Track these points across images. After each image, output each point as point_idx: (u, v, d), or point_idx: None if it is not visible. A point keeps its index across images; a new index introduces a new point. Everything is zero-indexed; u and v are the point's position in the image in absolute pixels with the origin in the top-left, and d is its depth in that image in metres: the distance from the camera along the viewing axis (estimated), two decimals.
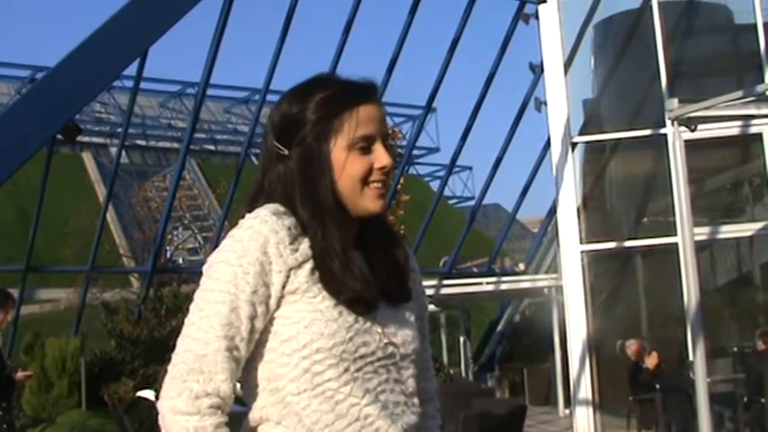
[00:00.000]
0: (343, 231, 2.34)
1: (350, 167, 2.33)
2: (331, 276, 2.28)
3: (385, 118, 2.42)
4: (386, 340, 2.33)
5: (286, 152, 2.37)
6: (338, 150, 2.34)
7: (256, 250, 2.25)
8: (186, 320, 2.28)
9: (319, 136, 2.34)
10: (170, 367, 2.23)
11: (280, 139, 2.40)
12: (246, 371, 2.32)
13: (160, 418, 2.20)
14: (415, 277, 2.54)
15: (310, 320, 2.25)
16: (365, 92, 2.39)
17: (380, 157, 2.35)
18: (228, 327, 2.22)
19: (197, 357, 2.20)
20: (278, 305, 2.27)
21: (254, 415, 2.32)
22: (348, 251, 2.33)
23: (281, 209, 2.32)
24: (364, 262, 2.39)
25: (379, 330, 2.33)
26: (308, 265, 2.28)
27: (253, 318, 2.24)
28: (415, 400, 2.41)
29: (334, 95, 2.36)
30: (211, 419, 2.18)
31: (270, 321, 2.29)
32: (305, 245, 2.29)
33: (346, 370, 2.25)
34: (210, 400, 2.18)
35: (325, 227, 2.30)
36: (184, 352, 2.23)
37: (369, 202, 2.35)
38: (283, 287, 2.27)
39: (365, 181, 2.34)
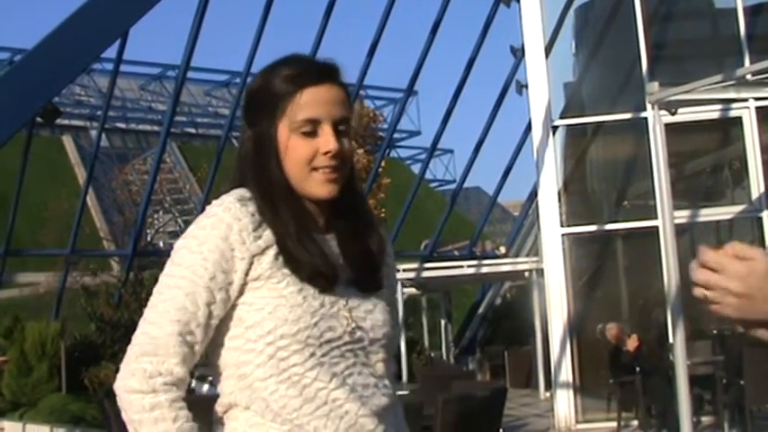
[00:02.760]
0: (301, 211, 2.35)
1: (293, 151, 2.33)
2: (289, 255, 2.29)
3: (343, 101, 2.38)
4: (354, 324, 2.34)
5: (249, 134, 2.40)
6: (283, 132, 2.34)
7: (217, 237, 2.26)
8: (148, 303, 2.30)
9: (269, 117, 2.35)
10: (128, 349, 2.27)
11: (246, 119, 2.42)
12: (215, 357, 2.35)
13: (117, 399, 2.24)
14: (389, 262, 2.55)
15: (274, 306, 2.26)
16: (316, 74, 2.36)
17: (325, 141, 2.32)
18: (183, 311, 2.24)
19: (151, 339, 2.23)
20: (241, 292, 2.29)
21: (222, 400, 2.35)
22: (306, 231, 2.33)
23: (247, 195, 2.33)
24: (336, 245, 2.39)
25: (347, 315, 2.33)
26: (272, 251, 2.29)
27: (210, 304, 2.25)
28: (386, 382, 2.42)
29: (287, 77, 2.35)
30: (167, 395, 2.20)
31: (234, 308, 2.30)
32: (268, 231, 2.30)
33: (312, 355, 2.26)
34: (164, 379, 2.21)
35: (275, 207, 2.31)
36: (141, 334, 2.26)
37: (315, 186, 2.34)
38: (246, 274, 2.28)
39: (311, 165, 2.33)
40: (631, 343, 14.20)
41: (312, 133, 2.32)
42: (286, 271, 2.29)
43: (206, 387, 13.13)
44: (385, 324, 2.42)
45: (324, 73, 2.37)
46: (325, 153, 2.32)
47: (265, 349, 2.26)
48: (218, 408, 2.36)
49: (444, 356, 24.83)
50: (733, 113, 14.50)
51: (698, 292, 1.69)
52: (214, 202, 2.33)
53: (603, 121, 15.54)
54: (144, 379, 2.20)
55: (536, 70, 15.13)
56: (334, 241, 2.40)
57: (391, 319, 2.47)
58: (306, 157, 2.32)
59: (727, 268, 1.65)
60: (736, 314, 1.65)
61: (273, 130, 2.34)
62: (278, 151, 2.34)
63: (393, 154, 44.34)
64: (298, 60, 2.41)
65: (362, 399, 2.32)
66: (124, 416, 2.23)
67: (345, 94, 2.39)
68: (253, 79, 2.46)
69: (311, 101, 2.32)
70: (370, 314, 2.39)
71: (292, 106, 2.32)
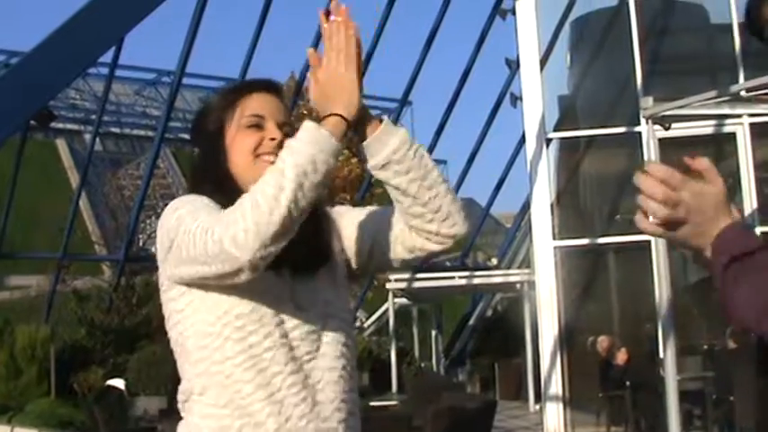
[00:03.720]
0: None
1: (239, 142, 2.47)
2: None
3: (286, 112, 2.55)
4: (323, 309, 2.42)
5: (196, 143, 2.59)
6: (231, 130, 2.48)
7: (201, 200, 2.38)
8: (183, 231, 2.30)
9: (217, 121, 2.50)
10: (200, 239, 2.23)
11: (197, 131, 2.59)
12: (180, 344, 2.40)
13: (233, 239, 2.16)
14: (348, 224, 2.60)
15: (230, 286, 2.27)
16: (260, 84, 2.56)
17: (271, 131, 2.47)
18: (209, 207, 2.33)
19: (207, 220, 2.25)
20: None
21: (182, 388, 2.40)
22: None
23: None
24: None
25: (312, 297, 2.41)
26: None
27: None
28: (352, 367, 2.48)
29: (234, 88, 2.57)
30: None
31: (192, 292, 2.34)
32: None
33: (268, 335, 2.30)
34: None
35: (231, 200, 2.35)
36: (198, 229, 2.24)
37: (259, 175, 2.36)
38: None
39: (256, 152, 2.46)
40: (620, 357, 14.21)
41: (258, 126, 2.47)
42: None
43: None
44: (338, 299, 2.48)
45: (269, 85, 2.57)
46: (272, 139, 2.45)
47: (222, 331, 2.30)
48: (180, 396, 2.41)
49: (434, 367, 24.85)
50: (727, 129, 14.52)
51: (640, 201, 1.68)
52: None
53: (597, 135, 15.55)
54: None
55: (531, 83, 15.14)
56: None
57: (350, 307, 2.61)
58: (251, 145, 2.46)
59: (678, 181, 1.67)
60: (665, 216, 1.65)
61: (222, 131, 2.49)
62: (226, 149, 2.48)
63: None
64: (247, 78, 2.66)
65: (318, 386, 2.36)
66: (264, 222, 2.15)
67: (287, 110, 2.57)
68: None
69: (258, 101, 2.50)
70: (318, 294, 2.45)
71: (241, 107, 2.49)
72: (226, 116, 2.49)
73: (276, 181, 2.13)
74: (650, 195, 1.66)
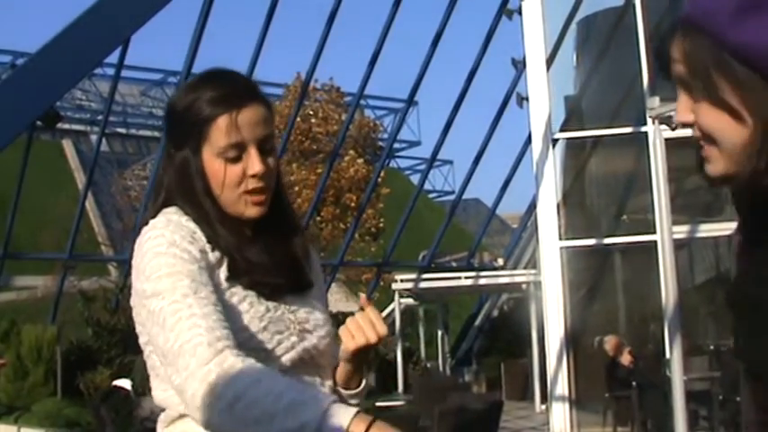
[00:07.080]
0: (236, 227, 2.35)
1: (220, 176, 2.31)
2: (236, 265, 2.30)
3: (266, 119, 2.36)
4: (300, 327, 2.36)
5: (173, 152, 2.38)
6: (209, 158, 2.32)
7: (183, 239, 2.25)
8: (156, 321, 2.25)
9: (193, 142, 2.32)
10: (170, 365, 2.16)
11: (171, 140, 2.40)
12: (163, 372, 2.28)
13: (188, 397, 2.10)
14: (315, 266, 2.55)
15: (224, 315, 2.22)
16: (238, 96, 2.33)
17: (252, 164, 2.31)
18: (198, 288, 2.18)
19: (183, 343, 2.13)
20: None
21: (170, 413, 2.31)
22: (246, 243, 2.35)
23: (182, 213, 2.33)
24: (264, 250, 2.38)
25: (291, 317, 2.35)
26: (225, 263, 2.30)
27: (208, 278, 2.23)
28: (331, 382, 2.44)
29: (210, 100, 2.31)
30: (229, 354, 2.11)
31: None
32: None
33: (264, 360, 2.22)
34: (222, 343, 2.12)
35: (213, 228, 2.31)
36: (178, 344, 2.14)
37: (245, 209, 2.34)
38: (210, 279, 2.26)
39: (240, 188, 2.32)
40: (625, 358, 14.20)
41: (238, 157, 2.31)
42: (232, 281, 2.29)
43: None
44: (326, 323, 2.45)
45: (246, 94, 2.34)
46: (253, 176, 2.31)
47: None
48: (164, 418, 2.33)
49: (440, 367, 24.82)
50: None
51: None
52: (154, 220, 2.32)
53: (604, 135, 15.55)
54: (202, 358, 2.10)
55: (537, 83, 15.13)
56: (261, 248, 2.39)
57: (329, 318, 2.49)
58: (234, 181, 2.30)
59: None
60: None
61: (198, 155, 2.32)
62: (204, 176, 2.32)
63: (392, 164, 44.38)
64: (220, 80, 2.37)
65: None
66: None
67: (268, 110, 2.38)
68: (176, 94, 2.44)
69: (234, 124, 2.29)
70: (311, 314, 2.41)
71: (216, 131, 2.29)
72: (201, 136, 2.31)
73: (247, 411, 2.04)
74: None
